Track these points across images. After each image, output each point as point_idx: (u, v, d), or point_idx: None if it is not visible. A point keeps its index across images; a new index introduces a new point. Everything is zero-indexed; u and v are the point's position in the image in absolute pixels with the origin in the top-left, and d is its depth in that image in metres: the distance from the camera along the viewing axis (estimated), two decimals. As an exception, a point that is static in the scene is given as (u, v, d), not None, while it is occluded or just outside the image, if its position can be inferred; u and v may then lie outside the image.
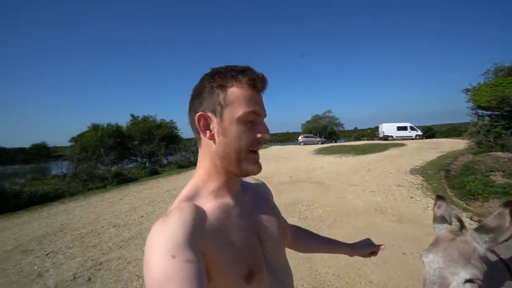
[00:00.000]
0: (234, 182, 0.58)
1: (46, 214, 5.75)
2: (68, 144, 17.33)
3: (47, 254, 3.55)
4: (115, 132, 16.36)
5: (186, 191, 0.56)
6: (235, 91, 0.51)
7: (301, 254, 2.85)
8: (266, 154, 18.01)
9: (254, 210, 0.61)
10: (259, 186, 0.72)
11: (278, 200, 5.40)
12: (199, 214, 0.49)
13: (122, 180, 9.63)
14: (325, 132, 37.04)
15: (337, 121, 39.80)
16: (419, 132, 24.73)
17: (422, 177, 6.69)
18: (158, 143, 15.60)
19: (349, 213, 4.32)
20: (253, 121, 0.53)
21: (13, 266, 3.30)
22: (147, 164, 14.22)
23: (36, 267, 3.23)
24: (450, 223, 0.75)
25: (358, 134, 45.16)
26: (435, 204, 0.82)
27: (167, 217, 0.47)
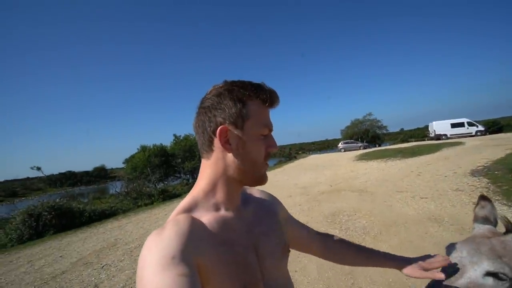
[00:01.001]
0: (237, 194, 0.58)
1: (103, 230, 6.39)
2: (122, 165, 19.29)
3: (102, 267, 3.90)
4: (160, 152, 17.70)
5: (184, 203, 0.55)
6: (255, 106, 0.53)
7: (342, 267, 2.67)
8: (305, 164, 17.58)
9: (254, 224, 0.59)
10: (264, 199, 0.69)
11: (318, 210, 5.17)
12: (195, 227, 0.48)
13: (167, 196, 10.27)
14: (367, 136, 34.86)
15: (379, 123, 37.25)
16: (481, 128, 21.55)
17: (487, 179, 5.77)
18: (199, 160, 16.40)
19: (396, 222, 3.90)
20: (266, 135, 0.55)
21: (76, 277, 3.70)
22: (190, 180, 14.98)
23: (93, 278, 3.56)
24: (495, 225, 0.64)
25: (405, 135, 41.61)
26: (477, 204, 0.72)
27: (162, 229, 0.46)
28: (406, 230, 3.56)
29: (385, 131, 38.64)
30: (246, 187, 0.70)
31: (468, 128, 21.66)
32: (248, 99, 0.52)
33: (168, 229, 0.45)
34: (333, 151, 33.41)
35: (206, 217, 0.52)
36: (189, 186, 12.61)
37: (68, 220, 7.06)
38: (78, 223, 7.21)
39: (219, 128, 0.51)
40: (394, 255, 0.71)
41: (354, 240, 3.46)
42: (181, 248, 0.42)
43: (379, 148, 23.87)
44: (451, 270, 0.52)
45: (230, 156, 0.53)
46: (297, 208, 5.63)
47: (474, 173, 6.55)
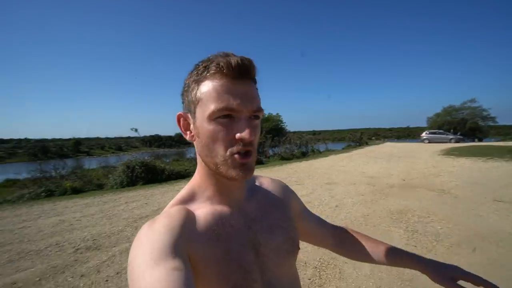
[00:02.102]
0: (232, 186, 0.52)
1: (178, 188, 7.46)
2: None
3: (174, 218, 4.63)
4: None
5: (180, 194, 0.53)
6: (207, 84, 0.44)
7: (399, 269, 2.42)
8: (376, 151, 15.99)
9: (257, 220, 0.54)
10: (274, 190, 0.62)
11: (382, 204, 4.72)
12: (188, 220, 0.46)
13: (232, 167, 11.08)
14: (464, 127, 28.73)
15: (484, 113, 29.85)
16: None
17: None
18: (265, 136, 16.85)
19: (485, 237, 3.21)
20: (231, 118, 0.44)
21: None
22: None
23: (167, 226, 4.28)
24: None
25: (523, 131, 32.56)
26: None
27: (153, 221, 0.44)
28: (498, 250, 2.90)
29: (491, 123, 30.90)
30: (257, 175, 0.65)
31: None
32: (203, 78, 0.45)
33: (159, 222, 0.44)
34: (414, 141, 29.12)
35: (201, 210, 0.49)
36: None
37: (153, 175, 8.53)
38: (159, 179, 8.62)
39: (176, 116, 0.50)
40: (420, 256, 0.64)
41: (423, 247, 3.07)
42: (173, 242, 0.40)
43: (478, 143, 19.47)
44: None
45: (196, 145, 0.49)
46: (359, 198, 5.26)
47: None
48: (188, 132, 0.50)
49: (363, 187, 6.25)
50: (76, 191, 7.56)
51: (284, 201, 0.62)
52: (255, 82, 0.48)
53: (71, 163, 10.11)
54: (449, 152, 12.76)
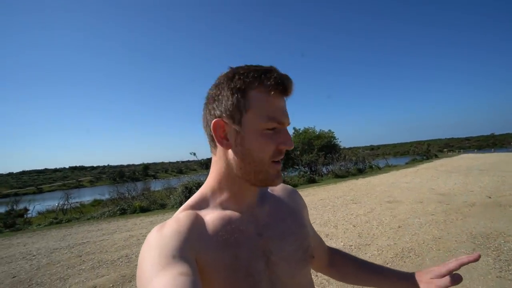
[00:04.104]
0: (247, 193, 0.51)
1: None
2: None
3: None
4: (282, 144, 18.85)
5: (191, 199, 0.53)
6: (257, 96, 0.45)
7: None
8: (449, 165, 13.82)
9: (269, 226, 0.52)
10: (287, 197, 0.60)
11: (460, 226, 3.98)
12: (196, 225, 0.46)
13: (286, 186, 10.95)
14: None
15: None
16: None
17: None
18: (317, 153, 16.30)
19: None
20: (275, 129, 0.47)
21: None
22: (307, 172, 15.19)
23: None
24: None
25: None
26: None
27: (162, 226, 0.45)
28: None
29: None
30: None
31: None
32: (248, 88, 0.45)
33: (168, 227, 0.44)
34: (502, 150, 24.17)
35: (210, 215, 0.49)
36: (305, 178, 12.82)
37: (208, 195, 9.06)
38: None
39: (213, 122, 0.47)
40: (407, 273, 0.61)
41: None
42: (180, 247, 0.40)
43: None
44: None
45: (230, 153, 0.48)
46: (428, 218, 4.54)
47: None
48: (224, 140, 0.48)
49: (433, 205, 5.39)
50: (144, 210, 8.52)
51: (297, 208, 0.60)
52: None
53: (140, 186, 11.51)
54: (555, 162, 10.16)
